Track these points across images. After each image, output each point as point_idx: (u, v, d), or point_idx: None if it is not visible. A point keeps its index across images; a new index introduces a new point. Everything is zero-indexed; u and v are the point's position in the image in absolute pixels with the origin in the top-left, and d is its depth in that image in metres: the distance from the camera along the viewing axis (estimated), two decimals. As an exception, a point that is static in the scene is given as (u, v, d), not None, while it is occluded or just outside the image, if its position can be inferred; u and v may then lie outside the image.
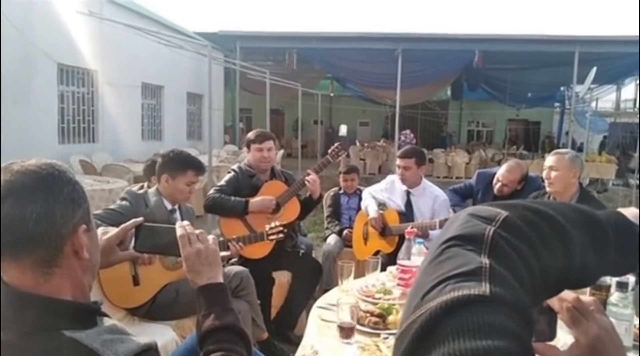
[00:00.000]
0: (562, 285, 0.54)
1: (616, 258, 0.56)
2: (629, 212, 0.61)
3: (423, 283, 0.44)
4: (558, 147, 11.43)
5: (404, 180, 3.38)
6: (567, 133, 18.47)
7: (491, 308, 0.40)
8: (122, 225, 1.24)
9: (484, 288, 0.41)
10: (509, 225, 0.47)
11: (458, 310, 0.40)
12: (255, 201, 3.11)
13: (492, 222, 0.47)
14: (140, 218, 1.25)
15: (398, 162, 3.39)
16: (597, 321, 0.64)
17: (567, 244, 0.51)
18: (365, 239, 3.57)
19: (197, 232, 1.18)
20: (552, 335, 0.63)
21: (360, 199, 3.83)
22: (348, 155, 12.94)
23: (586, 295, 0.69)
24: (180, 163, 2.55)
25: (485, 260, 0.44)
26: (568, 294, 0.64)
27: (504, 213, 0.48)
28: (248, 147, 3.31)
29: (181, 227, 1.17)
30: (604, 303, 1.52)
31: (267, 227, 2.68)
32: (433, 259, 0.47)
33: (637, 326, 1.56)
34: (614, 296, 1.50)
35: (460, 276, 0.43)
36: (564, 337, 0.66)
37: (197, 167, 2.60)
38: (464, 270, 0.43)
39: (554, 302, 0.64)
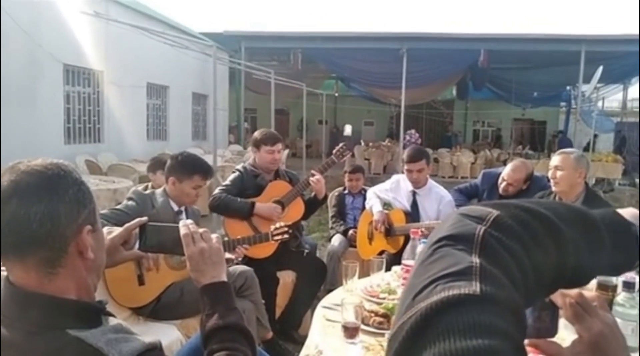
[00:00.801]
0: (556, 284, 0.54)
1: (612, 256, 0.56)
2: (628, 212, 0.61)
3: (414, 284, 0.44)
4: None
5: (416, 182, 3.36)
6: (560, 132, 18.41)
7: (482, 307, 0.40)
8: (126, 225, 1.24)
9: (475, 287, 0.41)
10: (499, 224, 0.47)
11: (448, 310, 0.40)
12: (261, 206, 3.10)
13: (483, 222, 0.47)
14: (144, 218, 1.25)
15: (408, 166, 3.33)
16: (600, 317, 0.63)
17: (559, 242, 0.50)
18: (370, 239, 3.57)
19: (200, 230, 1.18)
20: (554, 331, 0.62)
21: (365, 199, 3.82)
22: (353, 155, 12.93)
23: (590, 291, 0.68)
24: (188, 168, 2.55)
25: (476, 260, 0.43)
26: (571, 290, 0.64)
27: (494, 213, 0.48)
28: (257, 147, 3.27)
29: (185, 225, 1.17)
30: (610, 303, 1.51)
31: (272, 227, 2.68)
32: (424, 259, 0.47)
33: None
34: (621, 296, 1.49)
35: (450, 276, 0.42)
36: (569, 338, 0.65)
37: (205, 172, 2.58)
38: (454, 269, 0.43)
39: (557, 298, 0.64)
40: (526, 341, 0.66)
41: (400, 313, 0.44)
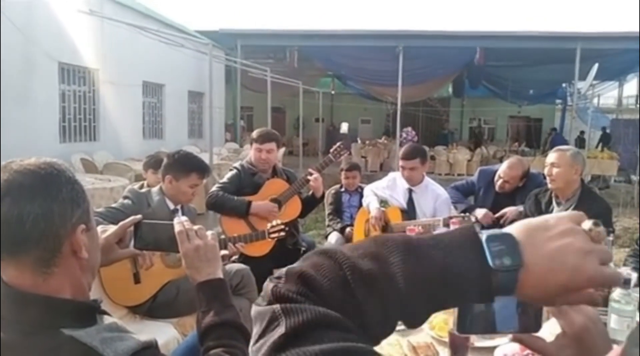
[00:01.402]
0: (371, 326, 0.51)
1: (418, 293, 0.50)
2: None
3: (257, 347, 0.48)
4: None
5: (410, 180, 3.36)
6: (554, 129, 18.42)
7: (299, 340, 0.44)
8: (121, 223, 1.23)
9: (282, 328, 0.46)
10: (286, 274, 0.52)
11: None
12: (257, 204, 3.10)
13: (280, 279, 0.53)
14: (139, 216, 1.24)
15: (402, 163, 3.34)
16: (582, 311, 0.64)
17: (346, 279, 0.50)
18: (367, 236, 3.57)
19: (195, 227, 1.17)
20: (538, 326, 0.62)
21: (361, 196, 3.82)
22: (350, 153, 12.92)
23: None
24: (185, 166, 2.54)
25: (276, 306, 0.48)
26: None
27: (284, 270, 0.54)
28: (251, 144, 3.33)
29: (179, 223, 1.16)
30: (606, 299, 1.52)
31: (269, 225, 2.68)
32: (254, 320, 0.51)
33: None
34: (616, 292, 1.49)
35: (266, 331, 0.47)
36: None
37: (202, 170, 2.58)
38: (265, 324, 0.48)
39: None
40: (511, 336, 0.66)
41: None
